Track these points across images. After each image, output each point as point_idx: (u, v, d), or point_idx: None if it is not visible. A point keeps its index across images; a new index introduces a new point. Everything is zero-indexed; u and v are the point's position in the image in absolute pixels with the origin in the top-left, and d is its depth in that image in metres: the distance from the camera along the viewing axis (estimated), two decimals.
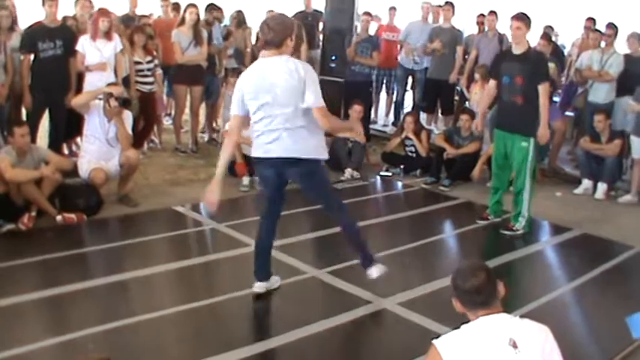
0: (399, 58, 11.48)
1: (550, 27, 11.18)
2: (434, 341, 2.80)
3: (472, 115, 9.05)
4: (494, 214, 7.25)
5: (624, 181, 8.77)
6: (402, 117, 10.89)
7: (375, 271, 5.09)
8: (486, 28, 10.56)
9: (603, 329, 4.90)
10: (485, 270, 2.86)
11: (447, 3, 10.76)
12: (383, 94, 12.34)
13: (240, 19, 11.07)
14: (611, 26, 9.29)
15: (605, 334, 4.81)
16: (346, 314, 4.79)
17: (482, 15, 10.88)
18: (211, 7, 10.10)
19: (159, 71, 9.19)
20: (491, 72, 7.43)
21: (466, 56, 10.71)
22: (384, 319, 4.89)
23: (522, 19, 6.65)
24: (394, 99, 11.96)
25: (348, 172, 8.78)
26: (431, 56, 10.78)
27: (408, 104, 11.99)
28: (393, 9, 12.27)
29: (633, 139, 8.32)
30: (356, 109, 9.18)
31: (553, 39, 12.12)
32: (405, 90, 11.81)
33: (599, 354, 4.61)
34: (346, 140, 8.97)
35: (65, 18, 8.40)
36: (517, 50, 6.76)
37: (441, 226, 7.26)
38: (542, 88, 6.59)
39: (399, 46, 11.60)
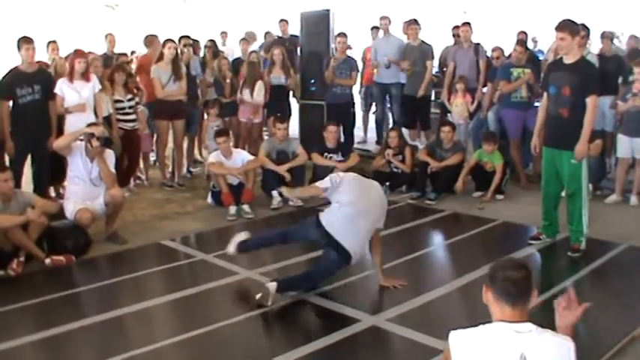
0: (374, 77, 11.54)
1: (524, 33, 11.28)
2: (451, 332, 2.82)
3: (453, 127, 9.15)
4: (548, 235, 6.88)
5: (609, 180, 8.84)
6: (384, 134, 11.02)
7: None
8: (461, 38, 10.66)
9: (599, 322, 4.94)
10: (527, 269, 2.84)
11: (411, 21, 10.86)
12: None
13: (214, 49, 11.17)
14: (583, 28, 9.38)
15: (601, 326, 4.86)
16: (337, 334, 4.80)
17: (458, 27, 11.00)
18: (183, 39, 10.12)
19: (141, 108, 9.23)
20: (542, 83, 7.07)
21: (444, 69, 10.80)
22: (376, 336, 4.89)
23: (565, 28, 6.16)
24: (376, 117, 12.05)
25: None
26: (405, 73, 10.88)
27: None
28: (375, 28, 12.38)
29: (621, 137, 8.40)
30: (330, 130, 9.20)
31: (531, 45, 12.30)
32: (385, 107, 11.87)
33: None
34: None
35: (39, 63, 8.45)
36: (568, 60, 6.31)
37: (428, 240, 7.31)
38: (591, 101, 6.18)
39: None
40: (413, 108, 11.02)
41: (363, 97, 12.67)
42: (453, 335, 2.81)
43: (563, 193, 6.68)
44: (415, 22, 10.83)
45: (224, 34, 14.47)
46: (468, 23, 10.55)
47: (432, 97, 11.45)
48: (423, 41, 10.86)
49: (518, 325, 2.72)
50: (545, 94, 6.66)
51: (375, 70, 11.46)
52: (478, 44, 10.47)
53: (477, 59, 10.32)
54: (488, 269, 2.90)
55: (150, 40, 10.28)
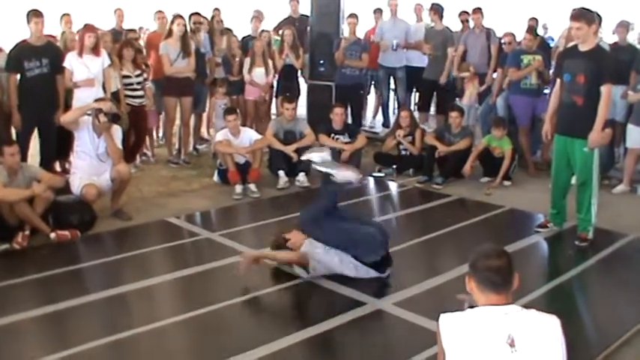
0: (378, 59, 11.47)
1: (535, 19, 11.20)
2: (441, 315, 2.86)
3: (461, 112, 9.10)
4: (555, 224, 6.85)
5: (617, 170, 8.80)
6: (390, 116, 11.00)
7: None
8: (472, 25, 10.60)
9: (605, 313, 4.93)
10: (508, 256, 2.89)
11: (434, 5, 10.81)
12: (370, 96, 12.39)
13: (221, 22, 11.10)
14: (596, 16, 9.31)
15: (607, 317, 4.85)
16: (343, 316, 4.79)
17: (466, 12, 10.94)
18: (194, 15, 10.06)
19: (148, 85, 9.20)
20: (555, 70, 6.93)
21: (454, 52, 10.77)
22: (381, 320, 4.89)
23: (580, 17, 6.07)
24: (381, 99, 12.01)
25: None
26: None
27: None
28: (378, 11, 12.31)
29: (631, 127, 8.35)
30: (337, 112, 9.14)
31: (542, 32, 12.20)
32: (389, 90, 11.84)
33: None
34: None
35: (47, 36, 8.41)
36: (583, 47, 6.20)
37: (434, 224, 7.24)
38: (605, 89, 6.08)
39: None
40: (431, 92, 11.01)
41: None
42: (443, 318, 2.86)
43: (572, 181, 6.64)
44: (440, 6, 10.78)
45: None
46: (480, 9, 10.49)
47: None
48: (446, 27, 10.85)
49: (504, 307, 2.78)
50: (558, 80, 6.59)
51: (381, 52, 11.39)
52: (490, 29, 10.43)
53: (489, 44, 10.28)
54: (469, 258, 2.93)
55: (159, 16, 10.26)
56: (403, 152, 9.39)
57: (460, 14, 11.12)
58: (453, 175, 8.76)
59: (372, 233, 5.52)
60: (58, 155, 8.52)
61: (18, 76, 7.73)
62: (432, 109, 11.65)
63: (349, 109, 10.17)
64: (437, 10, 10.75)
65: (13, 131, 7.94)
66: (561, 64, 6.54)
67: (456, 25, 11.29)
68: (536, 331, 2.74)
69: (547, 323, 2.79)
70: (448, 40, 10.73)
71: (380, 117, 12.42)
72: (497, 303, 2.80)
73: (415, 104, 11.98)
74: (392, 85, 11.85)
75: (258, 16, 11.76)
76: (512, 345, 2.68)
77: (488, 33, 10.43)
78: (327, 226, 5.55)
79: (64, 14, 9.62)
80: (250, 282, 5.39)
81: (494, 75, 10.19)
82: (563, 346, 2.76)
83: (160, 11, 10.46)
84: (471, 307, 2.96)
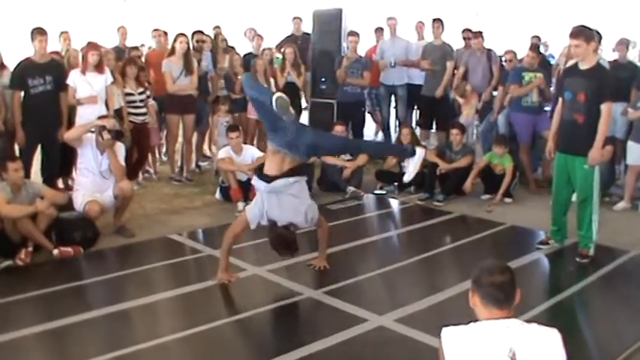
0: (380, 78, 11.49)
1: (537, 37, 11.27)
2: (443, 328, 2.91)
3: (462, 129, 9.13)
4: (556, 241, 6.86)
5: (618, 187, 8.82)
6: (391, 134, 11.03)
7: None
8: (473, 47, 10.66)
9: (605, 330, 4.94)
10: (511, 271, 2.94)
11: (436, 20, 10.86)
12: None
13: (224, 39, 11.16)
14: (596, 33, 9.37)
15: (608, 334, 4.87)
16: (344, 333, 4.79)
17: (469, 30, 11.01)
18: (197, 34, 10.15)
19: (151, 102, 9.24)
20: (556, 88, 6.90)
21: (455, 71, 10.82)
22: (382, 336, 4.87)
23: (579, 35, 6.11)
24: (382, 117, 12.04)
25: (350, 188, 8.87)
26: (424, 71, 10.91)
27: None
28: (379, 30, 12.36)
29: (631, 144, 8.38)
30: (338, 130, 9.14)
31: (542, 50, 12.26)
32: (390, 108, 11.88)
33: None
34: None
35: (51, 54, 8.47)
36: (583, 66, 6.27)
37: (435, 241, 7.27)
38: (605, 107, 6.11)
39: None
40: (430, 109, 11.04)
41: (368, 98, 12.66)
42: (445, 332, 2.91)
43: (573, 198, 6.66)
44: (439, 21, 10.84)
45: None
46: (480, 33, 10.58)
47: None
48: (445, 42, 10.89)
49: (506, 320, 2.82)
50: (560, 99, 6.63)
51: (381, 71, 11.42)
52: (490, 50, 10.49)
53: (490, 65, 10.36)
54: (472, 274, 2.97)
55: (156, 34, 10.37)
56: (404, 170, 9.39)
57: (463, 31, 11.17)
58: (454, 193, 8.79)
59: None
60: (61, 172, 8.56)
61: (22, 94, 7.78)
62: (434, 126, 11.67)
63: (350, 127, 10.20)
64: (441, 24, 10.82)
65: (16, 148, 7.98)
66: (562, 83, 6.58)
67: (457, 42, 11.35)
68: (537, 345, 2.76)
69: (548, 337, 2.82)
70: (447, 55, 10.78)
71: (381, 135, 12.44)
72: (500, 317, 2.84)
73: (416, 122, 12.01)
74: (393, 103, 11.85)
75: (257, 34, 11.80)
76: (513, 358, 2.71)
77: (489, 54, 10.52)
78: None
79: (62, 32, 9.70)
80: (252, 299, 5.42)
81: (495, 93, 10.24)
82: (565, 359, 2.78)
83: (156, 29, 10.52)
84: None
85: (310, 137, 5.52)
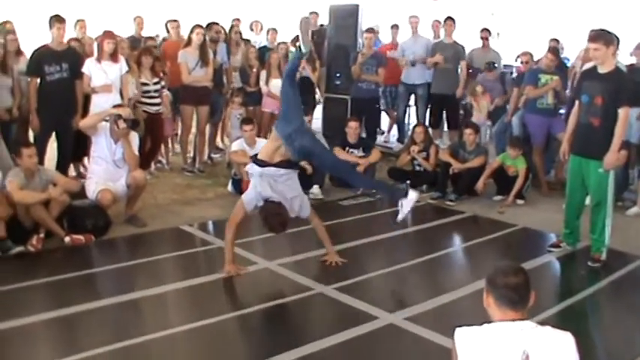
0: (402, 76, 11.45)
1: (556, 40, 11.20)
2: (456, 329, 2.90)
3: (476, 129, 9.10)
4: (568, 244, 6.81)
5: (632, 192, 8.78)
6: (406, 132, 10.98)
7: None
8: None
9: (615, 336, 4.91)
10: (525, 273, 2.93)
11: (448, 18, 10.86)
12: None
13: (239, 33, 11.15)
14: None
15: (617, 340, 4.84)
16: (353, 330, 4.79)
17: (485, 29, 10.98)
18: (212, 25, 10.12)
19: (166, 92, 9.25)
20: (573, 91, 6.87)
21: (470, 70, 10.78)
22: (391, 334, 4.87)
23: (598, 38, 6.07)
24: (397, 115, 12.01)
25: None
26: (432, 69, 10.89)
27: (412, 120, 12.03)
28: (395, 26, 12.34)
29: None
30: (351, 126, 9.17)
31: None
32: (407, 106, 11.85)
33: None
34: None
35: (70, 40, 8.49)
36: (602, 69, 6.19)
37: (447, 241, 7.26)
38: (623, 112, 6.07)
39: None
40: (440, 107, 11.03)
41: (383, 96, 12.63)
42: (458, 332, 2.90)
43: (587, 202, 6.63)
44: (451, 19, 10.84)
45: (256, 23, 14.26)
46: (494, 65, 10.71)
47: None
48: (456, 41, 10.87)
49: (520, 322, 2.81)
50: (577, 101, 6.58)
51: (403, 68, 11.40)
52: (504, 74, 10.51)
53: (505, 89, 10.42)
54: (486, 275, 2.97)
55: (172, 26, 10.37)
56: (417, 168, 9.40)
57: (481, 31, 11.13)
58: (467, 193, 8.76)
59: None
60: (73, 159, 8.58)
61: (38, 80, 7.80)
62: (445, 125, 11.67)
63: (364, 123, 10.18)
64: (453, 23, 10.82)
65: (31, 134, 8.00)
66: (580, 86, 6.54)
67: (470, 42, 11.33)
68: (550, 348, 2.75)
69: (562, 340, 2.80)
70: (460, 54, 10.80)
71: (395, 132, 12.41)
72: (514, 319, 2.83)
73: (429, 121, 11.97)
74: (411, 102, 11.80)
75: (275, 28, 11.79)
76: None
77: (503, 79, 10.78)
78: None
79: (78, 20, 9.71)
80: (262, 293, 5.42)
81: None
82: None
83: (172, 20, 10.51)
84: None
85: (308, 141, 5.67)
